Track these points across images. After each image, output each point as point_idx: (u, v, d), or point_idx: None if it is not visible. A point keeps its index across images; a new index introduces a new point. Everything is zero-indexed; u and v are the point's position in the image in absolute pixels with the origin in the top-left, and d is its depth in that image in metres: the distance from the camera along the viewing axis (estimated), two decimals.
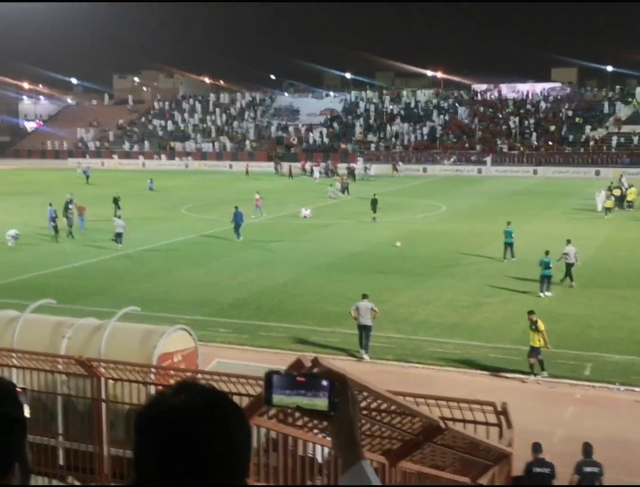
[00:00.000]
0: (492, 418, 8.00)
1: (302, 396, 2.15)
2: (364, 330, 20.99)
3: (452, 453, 6.09)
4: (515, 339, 21.84)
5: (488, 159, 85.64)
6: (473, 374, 19.48)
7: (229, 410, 1.89)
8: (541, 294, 27.03)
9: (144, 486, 1.84)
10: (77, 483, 10.89)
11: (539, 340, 19.31)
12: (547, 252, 27.59)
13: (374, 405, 4.74)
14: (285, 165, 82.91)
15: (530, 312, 20.02)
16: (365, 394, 4.53)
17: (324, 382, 2.14)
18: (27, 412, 2.09)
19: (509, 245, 33.46)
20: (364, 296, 21.32)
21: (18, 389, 2.13)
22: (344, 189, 61.28)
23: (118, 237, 37.35)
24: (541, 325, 19.42)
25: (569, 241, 29.40)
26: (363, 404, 4.51)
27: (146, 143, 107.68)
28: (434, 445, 5.44)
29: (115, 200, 47.71)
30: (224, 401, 1.90)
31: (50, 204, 41.48)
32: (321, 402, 2.14)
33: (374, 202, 45.61)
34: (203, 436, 1.81)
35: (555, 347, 20.96)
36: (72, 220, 40.46)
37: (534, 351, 19.31)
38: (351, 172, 73.25)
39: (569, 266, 28.42)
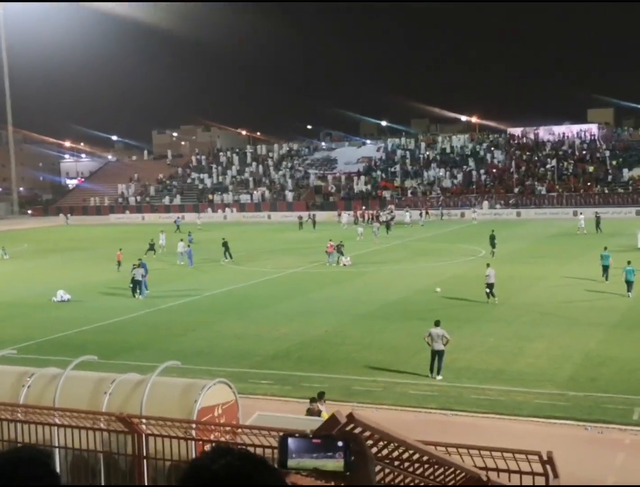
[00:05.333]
0: (538, 467, 7.79)
1: (318, 458, 2.12)
2: (437, 354, 22.22)
3: None
4: (560, 385, 21.44)
5: (485, 203, 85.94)
6: (519, 421, 19.09)
7: (268, 474, 1.88)
8: (628, 294, 33.20)
9: None
10: None
11: None
12: (629, 262, 34.36)
13: (405, 455, 4.64)
14: (318, 215, 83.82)
15: (313, 400, 17.32)
16: (393, 444, 4.44)
17: (340, 443, 2.11)
18: None
19: (606, 267, 37.14)
20: (437, 323, 22.58)
21: None
22: (388, 226, 67.79)
23: (137, 285, 37.77)
24: (325, 416, 16.92)
25: (488, 265, 34.32)
26: (395, 454, 4.44)
27: (184, 197, 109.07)
28: None
29: (225, 244, 51.81)
30: (263, 465, 1.89)
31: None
32: (337, 463, 2.12)
33: (492, 238, 48.68)
34: None
35: (603, 392, 20.57)
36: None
37: None
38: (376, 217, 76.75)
39: (490, 286, 33.13)
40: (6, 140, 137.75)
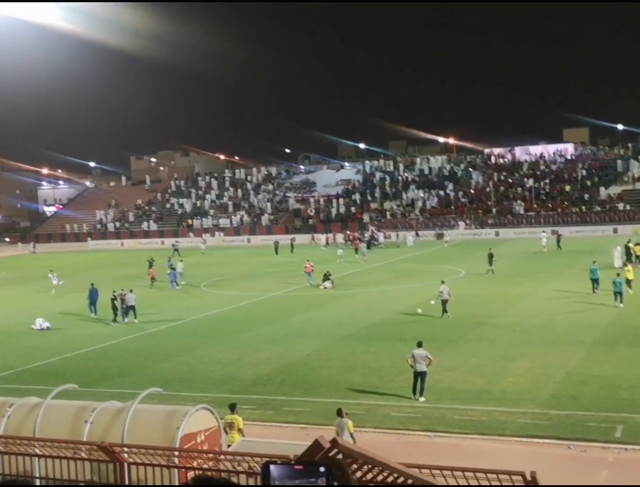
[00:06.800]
0: None
1: (301, 484, 2.12)
2: (420, 376, 22.29)
3: None
4: (543, 404, 21.47)
5: (461, 223, 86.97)
6: (502, 441, 19.09)
7: None
8: (616, 304, 34.61)
9: None
10: None
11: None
12: (618, 274, 36.34)
13: (389, 479, 4.61)
14: (298, 238, 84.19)
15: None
16: (373, 467, 4.42)
17: (322, 469, 2.11)
18: None
19: (595, 281, 38.55)
20: (419, 344, 22.69)
21: None
22: (369, 245, 71.43)
23: (131, 310, 37.81)
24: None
25: (443, 282, 35.60)
26: (379, 478, 4.41)
27: (163, 222, 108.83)
28: None
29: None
30: None
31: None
32: None
33: (490, 256, 49.84)
34: None
35: (585, 410, 20.63)
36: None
37: None
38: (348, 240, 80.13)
39: (444, 302, 34.38)
40: None
